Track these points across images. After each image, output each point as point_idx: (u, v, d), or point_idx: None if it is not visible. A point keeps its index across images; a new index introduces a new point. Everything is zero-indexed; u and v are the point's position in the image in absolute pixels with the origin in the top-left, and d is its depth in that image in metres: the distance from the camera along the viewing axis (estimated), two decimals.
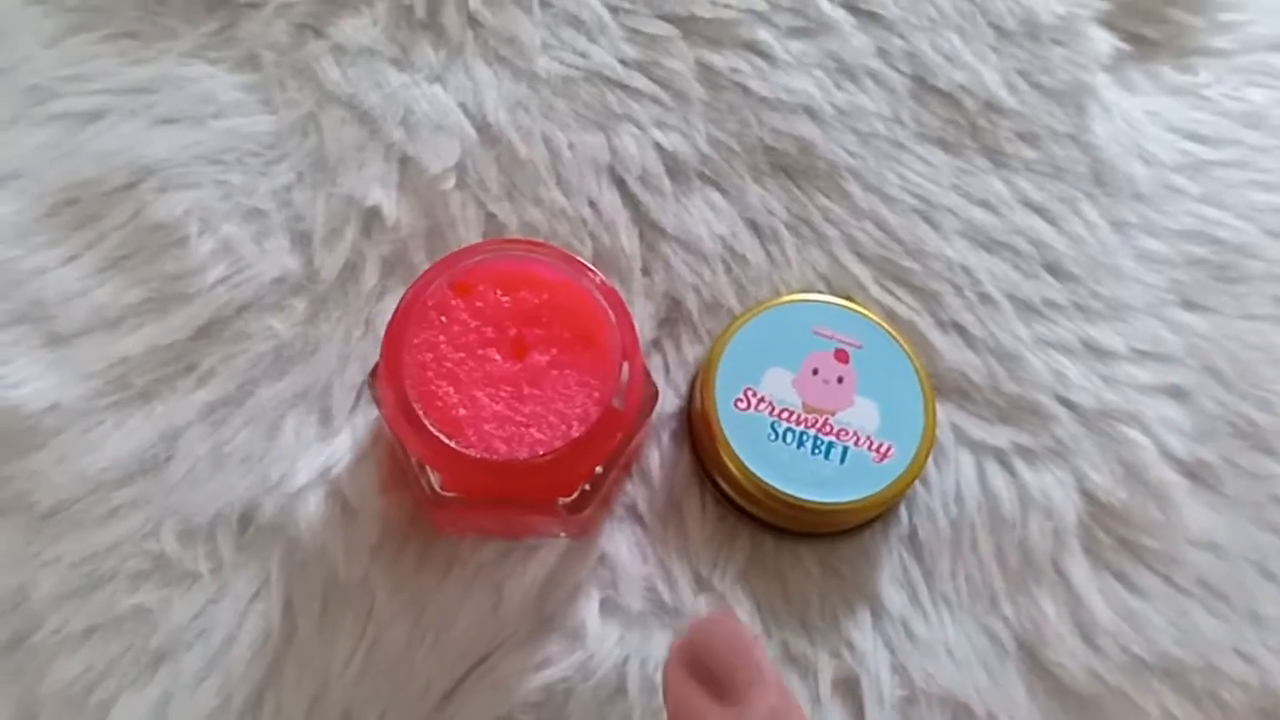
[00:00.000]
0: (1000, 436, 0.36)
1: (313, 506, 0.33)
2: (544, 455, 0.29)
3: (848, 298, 0.36)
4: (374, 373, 0.30)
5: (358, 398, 0.34)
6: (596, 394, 0.29)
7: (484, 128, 0.37)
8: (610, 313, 0.30)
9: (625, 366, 0.29)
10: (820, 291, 0.37)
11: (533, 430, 0.29)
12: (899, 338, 0.35)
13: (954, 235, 0.38)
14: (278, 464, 0.33)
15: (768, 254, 0.37)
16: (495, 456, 0.29)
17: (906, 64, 0.39)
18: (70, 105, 0.37)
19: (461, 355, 0.30)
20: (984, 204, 0.38)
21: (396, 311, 0.30)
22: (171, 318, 0.34)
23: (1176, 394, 0.37)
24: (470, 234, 0.36)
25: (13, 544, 0.33)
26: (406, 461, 0.31)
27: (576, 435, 0.29)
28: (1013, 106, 0.39)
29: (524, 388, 0.29)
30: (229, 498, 0.33)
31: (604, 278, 0.31)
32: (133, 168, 0.36)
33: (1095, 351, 0.37)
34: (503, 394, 0.29)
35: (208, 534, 0.33)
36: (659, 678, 0.31)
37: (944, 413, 0.36)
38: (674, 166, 0.37)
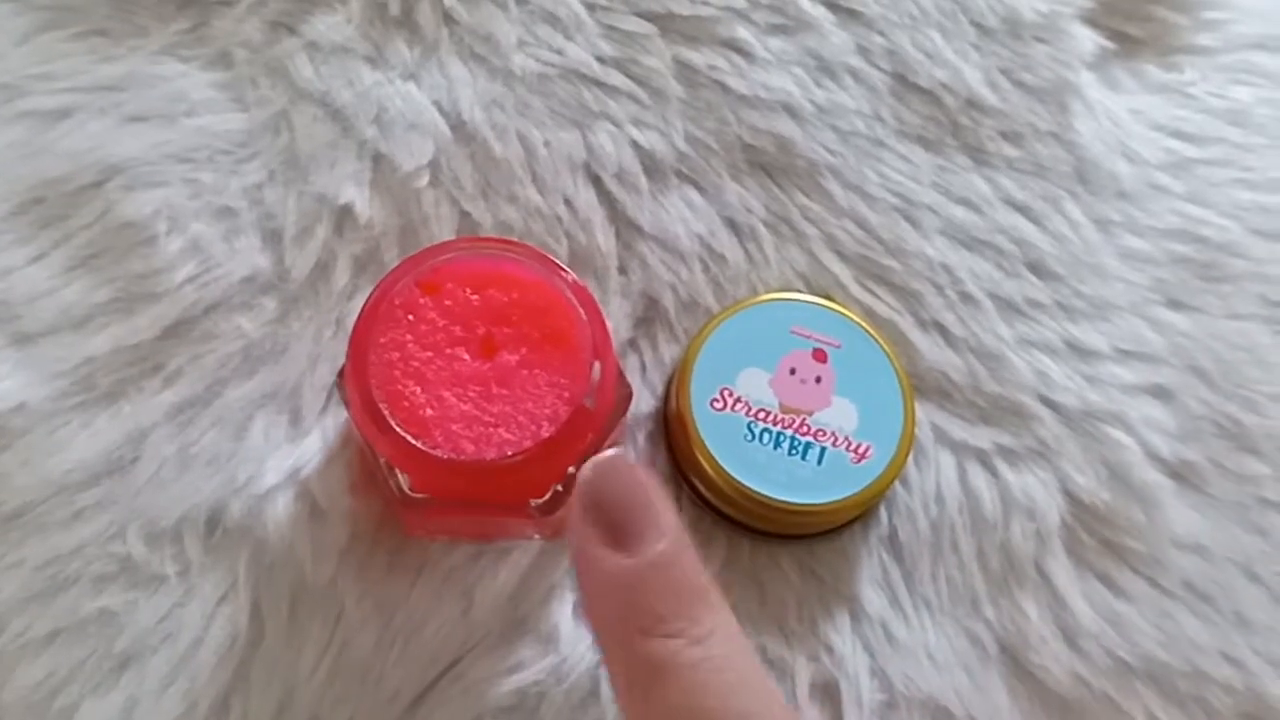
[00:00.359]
0: (982, 437, 0.35)
1: (281, 508, 0.32)
2: (512, 456, 0.28)
3: (827, 297, 0.36)
4: (342, 373, 0.29)
5: (328, 398, 0.34)
6: (567, 394, 0.29)
7: (458, 125, 0.36)
8: (581, 311, 0.29)
9: (597, 366, 0.29)
10: (799, 290, 0.36)
11: (501, 430, 0.28)
12: (878, 337, 0.34)
13: (935, 234, 0.37)
14: (245, 465, 0.33)
15: (746, 253, 0.36)
16: (462, 457, 0.28)
17: (887, 61, 0.39)
18: (39, 103, 0.36)
19: (429, 354, 0.29)
20: (965, 202, 0.38)
21: (363, 310, 0.29)
22: (139, 317, 0.34)
23: (1160, 394, 0.36)
24: (444, 232, 0.35)
25: None
26: (375, 463, 0.30)
27: (546, 435, 0.28)
28: (995, 104, 0.39)
29: (493, 387, 0.29)
30: (196, 499, 0.32)
31: (576, 276, 0.30)
32: (101, 166, 0.35)
33: (1078, 351, 0.36)
34: (471, 394, 0.29)
35: (174, 536, 0.32)
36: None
37: (924, 413, 0.35)
38: (651, 164, 0.37)
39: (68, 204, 0.35)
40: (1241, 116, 0.40)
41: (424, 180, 0.36)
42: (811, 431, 0.33)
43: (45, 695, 0.31)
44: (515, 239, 0.33)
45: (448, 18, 0.38)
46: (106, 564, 0.32)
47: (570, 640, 0.32)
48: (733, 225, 0.37)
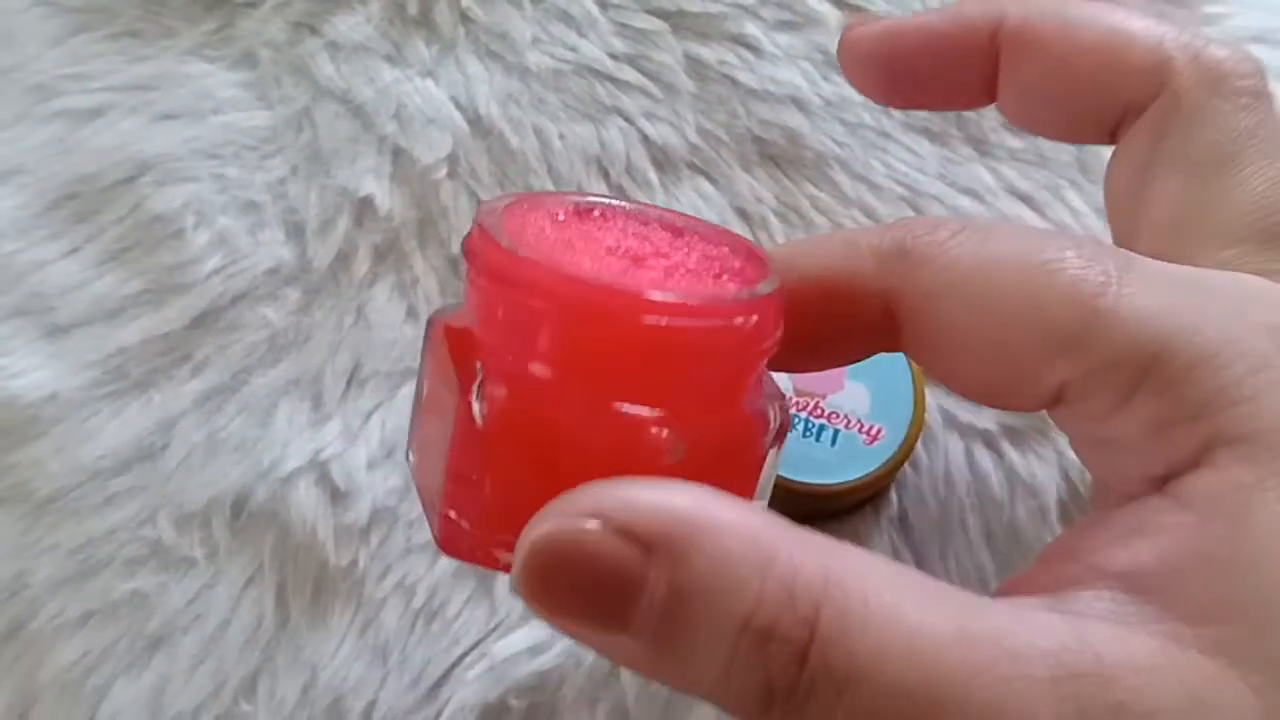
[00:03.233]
0: (987, 419, 0.34)
1: (303, 491, 0.32)
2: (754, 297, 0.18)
3: None
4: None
5: (349, 384, 0.33)
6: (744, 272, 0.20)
7: (475, 120, 0.36)
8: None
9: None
10: None
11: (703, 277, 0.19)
12: None
13: None
14: (270, 450, 0.32)
15: (757, 241, 0.36)
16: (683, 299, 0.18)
17: None
18: (72, 103, 0.36)
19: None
20: (970, 192, 0.37)
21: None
22: (168, 308, 0.33)
23: None
24: (462, 222, 0.35)
25: (11, 532, 0.32)
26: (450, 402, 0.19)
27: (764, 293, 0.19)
28: None
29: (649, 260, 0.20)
30: (223, 484, 0.32)
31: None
32: (132, 162, 0.35)
33: None
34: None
35: (203, 520, 0.32)
36: None
37: (932, 397, 0.34)
38: (663, 156, 0.36)
39: (100, 199, 0.34)
40: None
41: (442, 173, 0.35)
42: (825, 414, 0.32)
43: (79, 675, 0.31)
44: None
45: (464, 17, 0.37)
46: (138, 548, 0.32)
47: None
48: (744, 215, 0.36)
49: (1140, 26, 0.23)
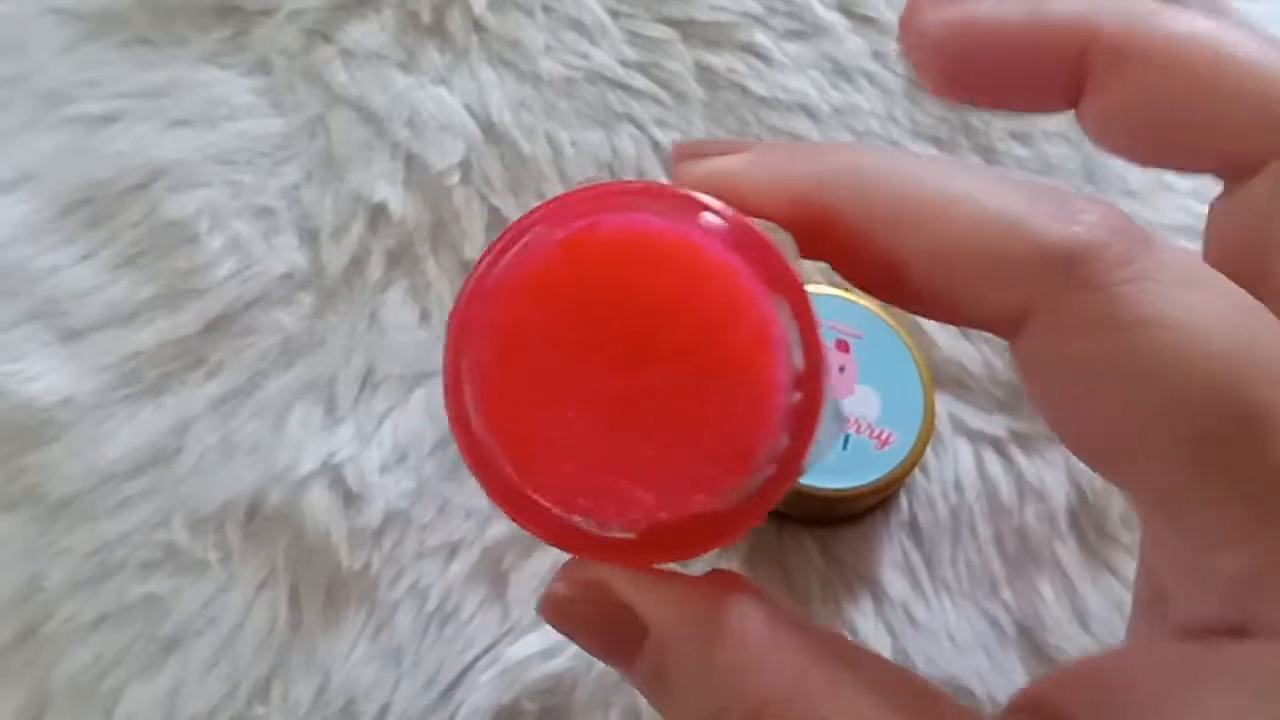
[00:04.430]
0: (998, 425, 0.34)
1: (316, 494, 0.31)
2: (639, 531, 0.18)
3: (847, 289, 0.35)
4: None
5: (362, 387, 0.33)
6: (738, 448, 0.17)
7: (488, 127, 0.36)
8: (781, 319, 0.17)
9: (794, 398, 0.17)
10: (821, 284, 0.35)
11: (635, 488, 0.17)
12: (898, 328, 0.34)
13: None
14: (284, 454, 0.32)
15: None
16: (573, 520, 0.18)
17: (900, 64, 0.38)
18: (85, 109, 0.36)
19: (552, 353, 0.18)
20: None
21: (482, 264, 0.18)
22: (182, 313, 0.33)
23: None
24: (474, 227, 0.35)
25: (26, 535, 0.31)
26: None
27: (697, 510, 0.17)
28: None
29: (633, 413, 0.17)
30: (237, 487, 0.32)
31: (793, 272, 0.18)
32: (146, 168, 0.35)
33: None
34: (601, 418, 0.18)
35: (217, 524, 0.32)
36: None
37: (942, 403, 0.34)
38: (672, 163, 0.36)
39: (114, 205, 0.34)
40: None
41: (455, 178, 0.35)
42: None
43: (93, 678, 0.31)
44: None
45: (477, 25, 0.37)
46: (152, 551, 0.32)
47: None
48: None
49: (1259, 55, 0.19)
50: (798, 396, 0.17)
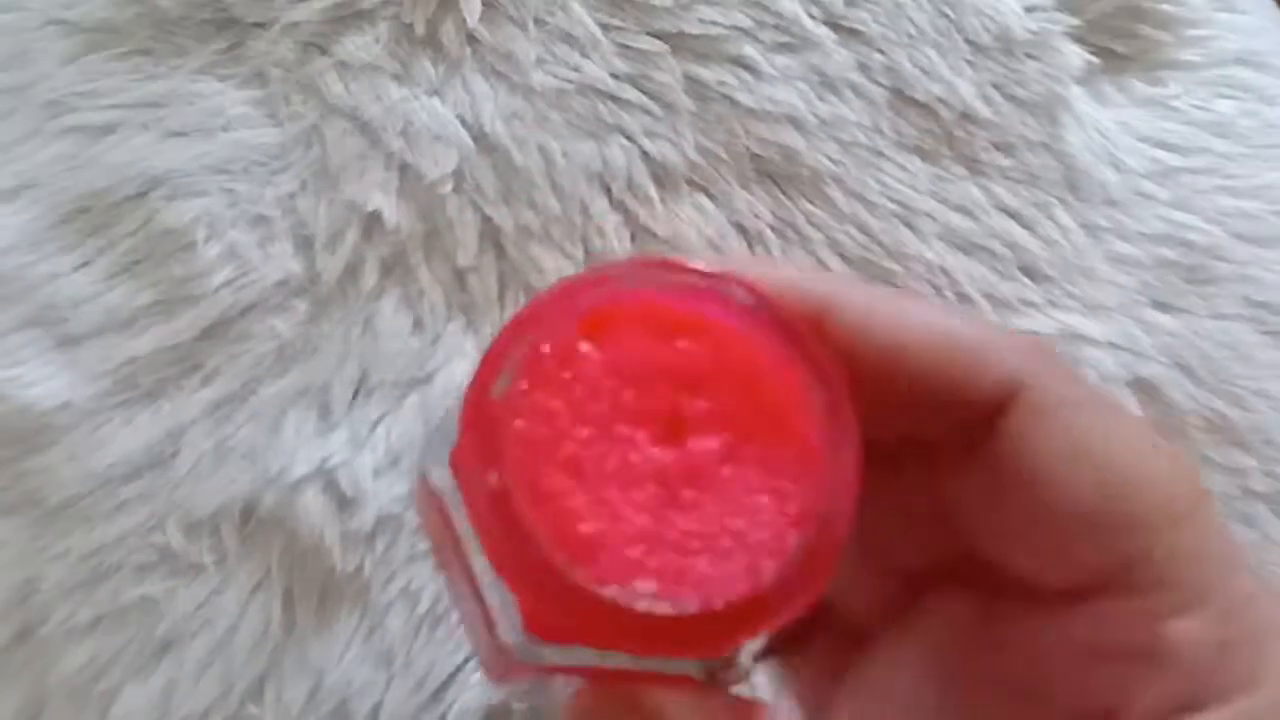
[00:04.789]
0: None
1: (310, 498, 0.32)
2: (727, 606, 0.17)
3: None
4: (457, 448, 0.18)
5: (356, 393, 0.33)
6: (794, 507, 0.17)
7: (480, 137, 0.36)
8: (817, 381, 0.18)
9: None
10: None
11: (700, 561, 0.17)
12: None
13: (933, 238, 0.37)
14: (278, 458, 0.32)
15: (755, 255, 0.36)
16: (651, 605, 0.16)
17: (886, 77, 0.39)
18: (85, 119, 0.36)
19: (590, 432, 0.17)
20: (961, 209, 0.38)
21: (493, 350, 0.18)
22: (178, 320, 0.34)
23: (1145, 388, 0.36)
24: (467, 236, 0.35)
25: (23, 538, 0.32)
26: (461, 561, 0.19)
27: (770, 577, 0.17)
28: (988, 117, 0.39)
29: (682, 490, 0.17)
30: (232, 491, 0.32)
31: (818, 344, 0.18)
32: (143, 178, 0.35)
33: (1068, 346, 0.36)
34: (650, 498, 0.17)
35: (211, 527, 0.32)
36: None
37: None
38: (663, 173, 0.37)
39: (112, 213, 0.35)
40: (1224, 127, 0.40)
41: (448, 187, 0.36)
42: None
43: (89, 679, 0.31)
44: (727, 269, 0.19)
45: (470, 37, 0.38)
46: (147, 554, 0.32)
47: None
48: (742, 230, 0.37)
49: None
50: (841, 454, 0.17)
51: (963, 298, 0.36)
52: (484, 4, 0.38)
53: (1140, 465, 0.19)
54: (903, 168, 0.38)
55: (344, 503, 0.32)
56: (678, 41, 0.38)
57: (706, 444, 0.17)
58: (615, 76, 0.38)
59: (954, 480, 0.20)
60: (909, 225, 0.37)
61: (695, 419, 0.17)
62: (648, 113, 0.37)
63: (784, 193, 0.37)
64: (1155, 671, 0.18)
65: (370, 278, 0.35)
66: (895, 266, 0.36)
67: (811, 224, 0.37)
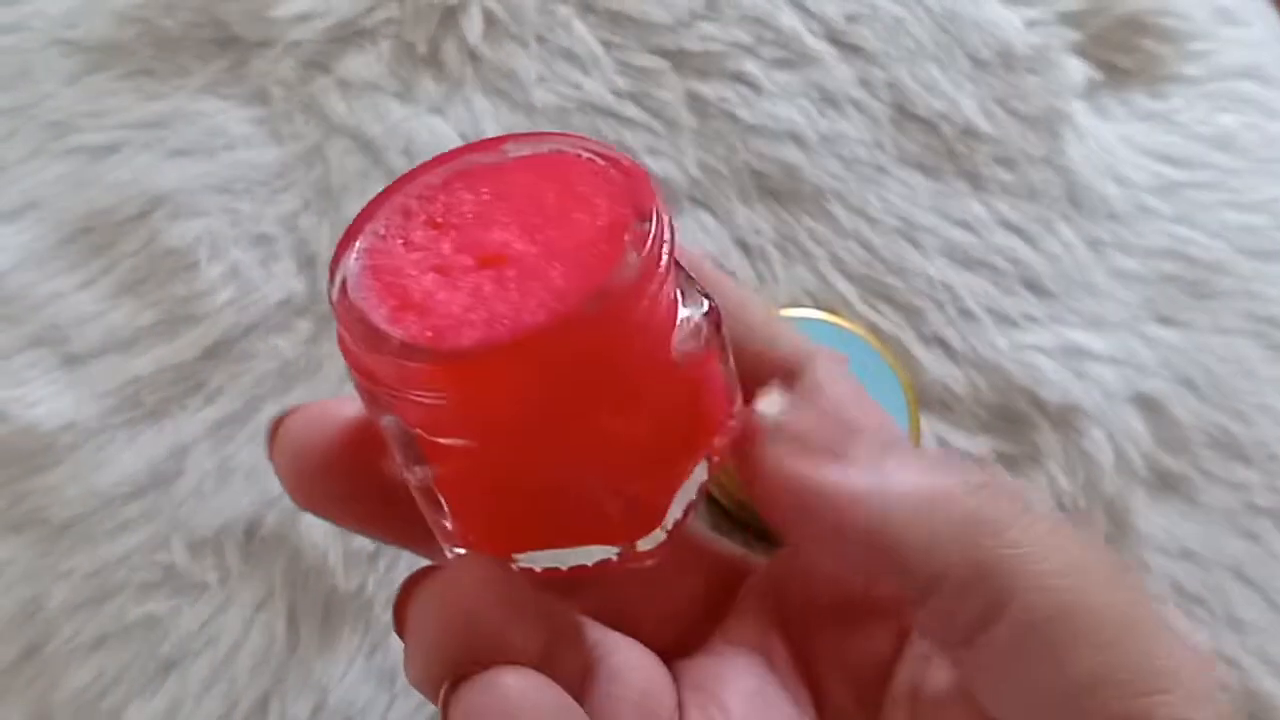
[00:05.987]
0: (982, 445, 0.35)
1: (313, 518, 0.32)
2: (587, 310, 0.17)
3: (834, 313, 0.36)
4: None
5: None
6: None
7: None
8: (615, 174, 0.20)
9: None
10: (807, 307, 0.36)
11: (539, 290, 0.18)
12: (884, 351, 0.34)
13: (935, 254, 0.37)
14: None
15: (756, 272, 0.37)
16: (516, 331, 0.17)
17: (887, 93, 0.39)
18: (88, 139, 0.36)
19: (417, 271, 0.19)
20: (963, 224, 0.38)
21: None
22: (181, 339, 0.34)
23: (1148, 404, 0.36)
24: None
25: (29, 557, 0.32)
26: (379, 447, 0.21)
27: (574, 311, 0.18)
28: (989, 132, 0.39)
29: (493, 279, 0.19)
30: (235, 510, 0.32)
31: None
32: (146, 197, 0.36)
33: (1071, 361, 0.36)
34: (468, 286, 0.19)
35: (215, 546, 0.32)
36: None
37: (928, 424, 0.35)
38: (665, 190, 0.37)
39: (115, 233, 0.35)
40: (1227, 142, 0.40)
41: None
42: None
43: (93, 697, 0.31)
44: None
45: (472, 56, 0.38)
46: (151, 572, 0.32)
47: None
48: (743, 246, 0.37)
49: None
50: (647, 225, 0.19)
51: (965, 313, 0.36)
52: (485, 22, 0.38)
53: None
54: (904, 183, 0.38)
55: None
56: (678, 58, 0.39)
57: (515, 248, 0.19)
58: (616, 94, 0.38)
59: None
60: (911, 241, 0.37)
61: (505, 244, 0.19)
62: (649, 130, 0.38)
63: (785, 209, 0.37)
64: None
65: None
66: (897, 282, 0.37)
67: (813, 240, 0.37)
